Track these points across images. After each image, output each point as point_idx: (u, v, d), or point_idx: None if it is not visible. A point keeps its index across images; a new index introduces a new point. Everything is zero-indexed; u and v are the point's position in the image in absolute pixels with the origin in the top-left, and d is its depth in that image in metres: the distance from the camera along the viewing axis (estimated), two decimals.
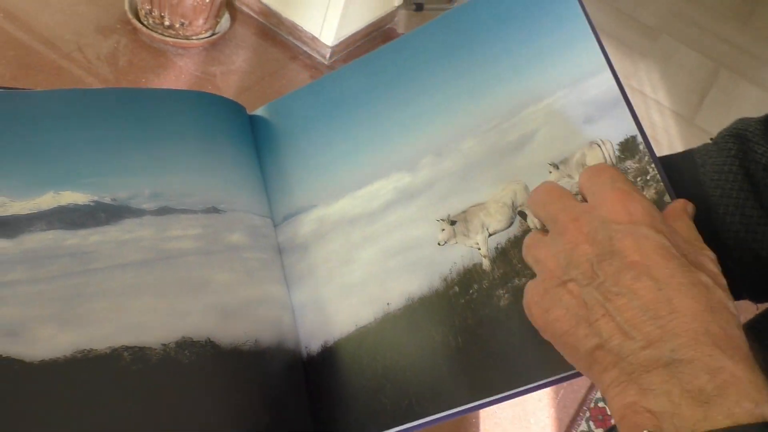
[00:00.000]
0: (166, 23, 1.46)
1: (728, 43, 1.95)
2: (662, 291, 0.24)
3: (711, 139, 0.35)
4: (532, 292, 0.28)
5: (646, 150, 0.32)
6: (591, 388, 1.12)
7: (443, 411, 0.31)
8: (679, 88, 1.74)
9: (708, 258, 0.26)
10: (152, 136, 0.36)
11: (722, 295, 0.24)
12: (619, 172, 0.28)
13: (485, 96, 0.36)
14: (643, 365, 0.23)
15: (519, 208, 0.34)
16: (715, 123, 1.63)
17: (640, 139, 0.32)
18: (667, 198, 0.31)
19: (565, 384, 1.11)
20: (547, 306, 0.26)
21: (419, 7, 1.54)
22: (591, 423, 1.07)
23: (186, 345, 0.31)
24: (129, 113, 0.36)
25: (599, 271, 0.25)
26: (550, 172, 0.33)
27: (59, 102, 0.35)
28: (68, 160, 0.34)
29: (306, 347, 0.35)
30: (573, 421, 1.08)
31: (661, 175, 0.31)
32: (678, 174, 0.33)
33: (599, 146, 0.33)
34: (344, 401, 0.33)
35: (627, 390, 0.23)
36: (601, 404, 1.11)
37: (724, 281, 0.26)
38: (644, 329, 0.23)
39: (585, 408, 1.11)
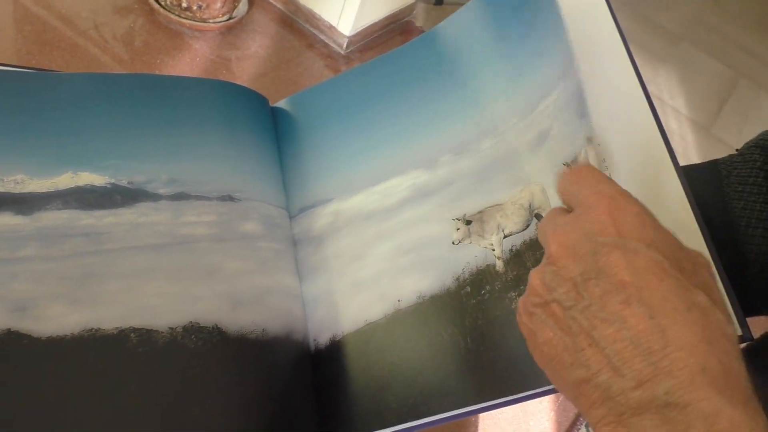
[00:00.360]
0: (184, 5, 1.46)
1: (750, 53, 1.92)
2: (654, 319, 0.21)
3: (737, 150, 0.35)
4: (519, 311, 0.26)
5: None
6: None
7: (448, 411, 0.31)
8: (698, 95, 1.72)
9: (703, 266, 0.23)
10: (173, 122, 0.37)
11: (719, 317, 0.22)
12: (601, 173, 0.25)
13: (503, 94, 0.36)
14: (634, 407, 0.21)
15: (536, 211, 0.33)
16: (732, 133, 1.61)
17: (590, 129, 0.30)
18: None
19: None
20: (534, 327, 0.24)
21: (438, 1, 1.53)
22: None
23: (193, 330, 0.31)
24: (152, 99, 0.37)
25: (584, 293, 0.22)
26: None
27: (83, 85, 0.36)
28: (88, 142, 0.34)
29: (315, 340, 0.35)
30: (572, 426, 1.08)
31: (682, 184, 0.31)
32: (700, 184, 0.33)
33: (591, 142, 0.31)
34: (350, 396, 0.33)
35: (615, 431, 0.21)
36: None
37: (720, 296, 0.23)
38: (635, 366, 0.21)
39: None
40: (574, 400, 0.23)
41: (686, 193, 0.30)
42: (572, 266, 0.23)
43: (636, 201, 0.24)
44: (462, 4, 0.39)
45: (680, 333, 0.21)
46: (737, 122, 1.66)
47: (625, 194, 0.24)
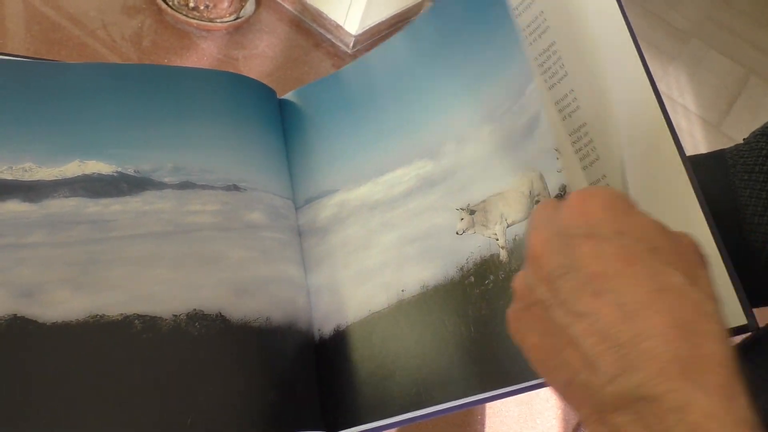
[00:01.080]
0: (191, 5, 1.46)
1: (760, 50, 1.91)
2: (625, 307, 0.20)
3: (744, 139, 0.34)
4: (508, 319, 0.25)
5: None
6: None
7: (452, 401, 0.31)
8: (708, 93, 1.71)
9: (687, 245, 0.22)
10: (180, 112, 0.37)
11: (696, 297, 0.21)
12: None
13: (497, 78, 0.35)
14: (611, 403, 0.20)
15: (536, 198, 0.33)
16: (741, 130, 1.60)
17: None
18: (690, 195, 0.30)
19: None
20: (522, 333, 0.24)
21: None
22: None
23: (197, 317, 0.31)
24: (159, 89, 0.37)
25: (560, 289, 0.22)
26: (557, 159, 0.32)
27: (91, 74, 0.36)
28: (96, 130, 0.35)
29: (319, 330, 0.35)
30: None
31: (689, 174, 0.31)
32: (707, 173, 0.33)
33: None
34: (353, 386, 0.33)
35: (600, 430, 0.20)
36: None
37: (706, 275, 0.22)
38: (607, 360, 0.20)
39: None
40: (567, 403, 0.23)
41: (692, 183, 0.30)
42: (547, 263, 0.22)
43: (606, 188, 0.23)
44: None
45: (650, 320, 0.20)
46: (747, 119, 1.65)
47: (601, 186, 0.24)
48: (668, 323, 0.20)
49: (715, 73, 1.78)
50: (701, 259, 0.22)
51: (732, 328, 0.27)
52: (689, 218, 0.30)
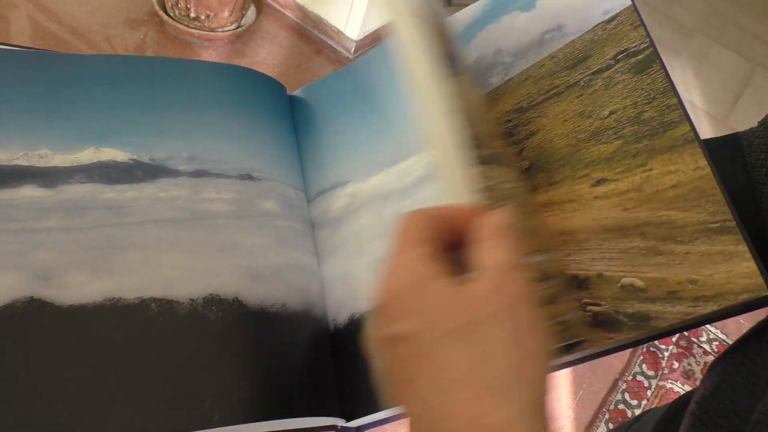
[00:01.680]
0: (192, 15, 1.47)
1: (766, 43, 1.91)
2: (432, 412, 0.21)
3: (758, 122, 0.34)
4: None
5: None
6: (611, 389, 1.10)
7: None
8: (713, 88, 1.71)
9: (488, 269, 0.22)
10: (195, 103, 0.37)
11: (488, 343, 0.21)
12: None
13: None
14: None
15: None
16: (749, 123, 1.60)
17: None
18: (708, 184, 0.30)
19: (584, 384, 1.09)
20: None
21: (447, 2, 1.53)
22: (610, 425, 1.05)
23: (213, 301, 0.31)
24: (173, 80, 0.38)
25: (393, 389, 0.23)
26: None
27: (107, 65, 0.37)
28: (112, 119, 0.35)
29: (333, 319, 0.35)
30: (592, 423, 1.06)
31: (705, 157, 0.30)
32: (722, 155, 0.32)
33: None
34: (369, 374, 0.33)
35: None
36: (621, 406, 1.09)
37: (520, 311, 0.21)
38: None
39: (604, 409, 1.09)
40: None
41: (710, 166, 0.30)
42: (382, 363, 0.23)
43: (396, 273, 0.23)
44: (470, 3, 0.39)
45: (450, 420, 0.20)
46: (754, 113, 1.65)
47: (389, 270, 0.23)
48: (457, 427, 0.20)
49: (720, 68, 1.78)
50: (526, 286, 0.22)
51: (760, 299, 0.27)
52: (709, 200, 0.29)
